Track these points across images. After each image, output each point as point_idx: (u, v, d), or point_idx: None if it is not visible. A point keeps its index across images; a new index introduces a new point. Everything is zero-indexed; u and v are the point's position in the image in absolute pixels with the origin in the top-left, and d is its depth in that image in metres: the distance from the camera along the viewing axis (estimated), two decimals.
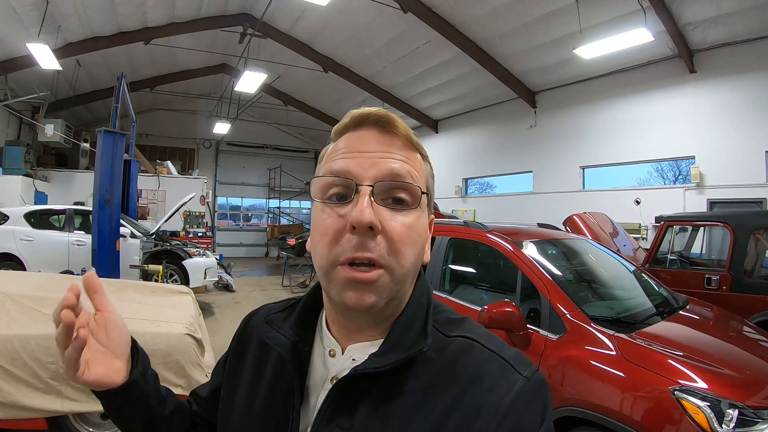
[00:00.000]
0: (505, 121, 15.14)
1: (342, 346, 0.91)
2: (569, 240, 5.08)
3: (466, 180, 17.19)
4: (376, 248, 0.79)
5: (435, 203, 7.01)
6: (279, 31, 14.62)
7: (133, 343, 0.99)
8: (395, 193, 0.83)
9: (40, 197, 14.12)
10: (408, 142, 0.88)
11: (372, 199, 0.80)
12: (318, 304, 0.98)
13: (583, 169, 12.96)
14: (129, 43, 13.62)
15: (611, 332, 3.26)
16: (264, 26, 13.79)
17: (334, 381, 0.87)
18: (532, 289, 3.79)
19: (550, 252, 4.52)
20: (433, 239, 4.45)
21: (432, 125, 18.15)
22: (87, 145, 16.26)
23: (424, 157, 0.93)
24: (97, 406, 4.03)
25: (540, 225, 5.64)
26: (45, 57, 10.77)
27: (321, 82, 17.07)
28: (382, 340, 0.87)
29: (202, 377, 4.32)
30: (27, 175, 14.20)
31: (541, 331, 3.51)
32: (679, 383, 2.71)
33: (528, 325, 3.48)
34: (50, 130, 14.66)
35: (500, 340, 0.89)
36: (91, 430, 4.31)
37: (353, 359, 0.88)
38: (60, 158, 17.19)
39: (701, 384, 2.70)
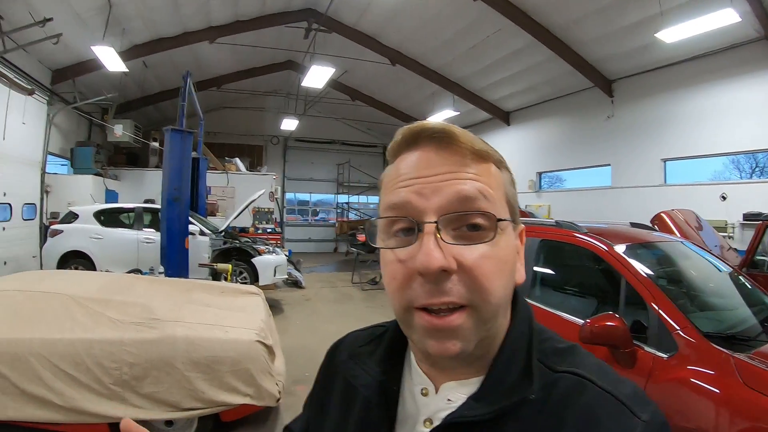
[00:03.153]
0: (581, 112, 14.44)
1: (435, 384, 0.83)
2: (669, 243, 4.57)
3: (540, 174, 16.59)
4: (453, 289, 0.70)
5: None
6: (344, 25, 14.45)
7: None
8: (469, 220, 0.73)
9: (111, 195, 14.59)
10: (475, 154, 0.77)
11: (439, 236, 0.71)
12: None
13: (665, 161, 12.19)
14: (194, 43, 13.80)
15: (727, 352, 2.84)
16: (329, 21, 13.63)
17: (428, 424, 0.80)
18: (636, 298, 3.39)
19: (653, 257, 4.11)
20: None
21: (503, 117, 17.60)
22: (156, 144, 16.67)
23: (499, 163, 0.82)
24: (161, 414, 4.04)
25: (633, 225, 5.13)
26: (111, 59, 10.99)
27: (389, 75, 16.82)
28: (479, 378, 0.79)
29: (272, 386, 4.31)
30: (97, 174, 14.66)
31: (648, 348, 3.11)
32: None
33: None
34: (119, 131, 15.17)
35: (614, 375, 0.79)
36: None
37: (449, 399, 0.80)
38: (131, 157, 17.75)
39: None
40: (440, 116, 16.46)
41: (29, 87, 11.32)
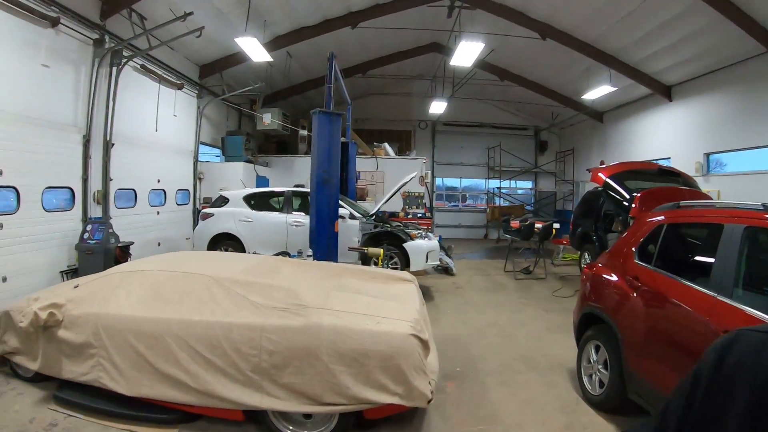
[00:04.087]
0: (754, 82, 12.21)
1: None
2: None
3: (707, 155, 14.45)
4: None
5: (693, 180, 5.53)
6: (489, 0, 13.62)
7: None
8: None
9: (261, 181, 15.23)
10: None
11: None
12: None
13: None
14: (335, 30, 13.78)
15: None
16: None
17: None
18: None
19: None
20: (720, 227, 3.24)
21: (665, 92, 15.70)
22: (305, 132, 17.16)
23: None
24: (300, 407, 3.62)
25: None
26: (255, 50, 11.25)
27: (539, 51, 15.74)
28: None
29: (425, 385, 3.81)
30: (248, 161, 15.37)
31: None
32: None
33: None
34: (267, 119, 15.85)
35: None
36: (291, 428, 4.02)
37: None
38: (280, 145, 18.62)
39: None
40: (596, 93, 15.23)
41: (178, 82, 12.11)
